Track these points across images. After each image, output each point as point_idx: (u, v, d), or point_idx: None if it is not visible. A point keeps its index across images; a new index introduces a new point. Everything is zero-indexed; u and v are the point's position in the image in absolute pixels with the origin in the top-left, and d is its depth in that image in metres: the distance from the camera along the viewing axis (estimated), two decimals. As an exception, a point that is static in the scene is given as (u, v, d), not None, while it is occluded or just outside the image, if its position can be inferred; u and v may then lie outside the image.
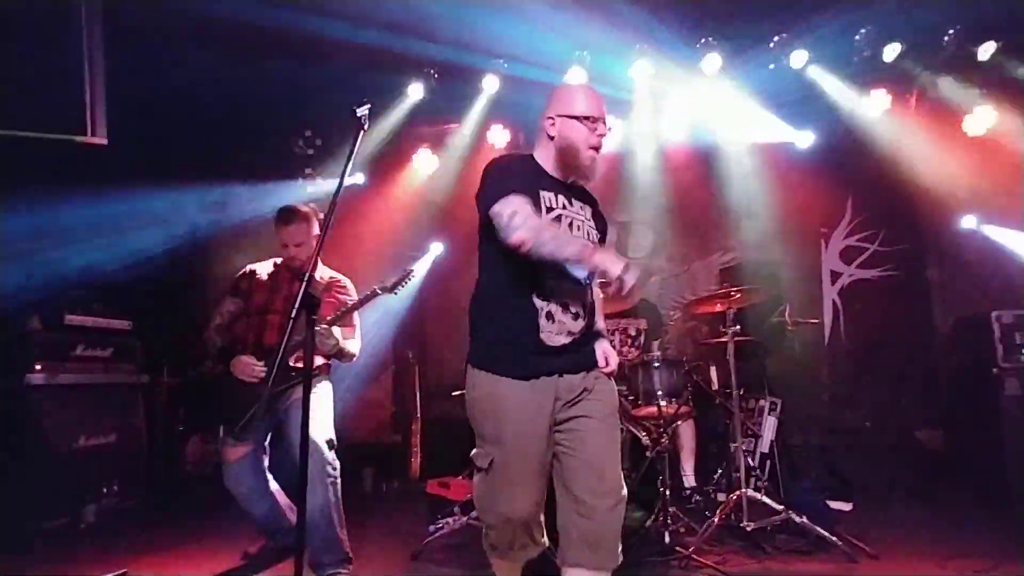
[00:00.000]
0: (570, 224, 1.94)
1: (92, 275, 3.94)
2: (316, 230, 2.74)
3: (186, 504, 4.02)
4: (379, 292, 2.55)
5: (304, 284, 1.78)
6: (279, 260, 2.84)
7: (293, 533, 2.45)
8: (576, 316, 1.93)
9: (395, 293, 2.57)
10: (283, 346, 1.96)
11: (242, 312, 2.79)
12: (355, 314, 2.75)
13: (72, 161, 3.24)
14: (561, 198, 1.95)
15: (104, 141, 3.00)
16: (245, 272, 2.87)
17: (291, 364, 2.61)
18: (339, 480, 2.60)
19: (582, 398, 1.93)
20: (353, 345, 2.78)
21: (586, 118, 1.93)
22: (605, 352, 2.02)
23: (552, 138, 1.96)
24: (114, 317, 3.90)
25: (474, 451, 1.98)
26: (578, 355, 1.95)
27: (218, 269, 4.30)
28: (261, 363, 2.63)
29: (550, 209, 1.91)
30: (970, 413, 4.06)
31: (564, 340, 1.90)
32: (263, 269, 2.86)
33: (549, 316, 1.89)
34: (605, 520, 1.85)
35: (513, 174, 1.89)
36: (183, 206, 4.42)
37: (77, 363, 3.64)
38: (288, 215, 2.72)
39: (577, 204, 1.99)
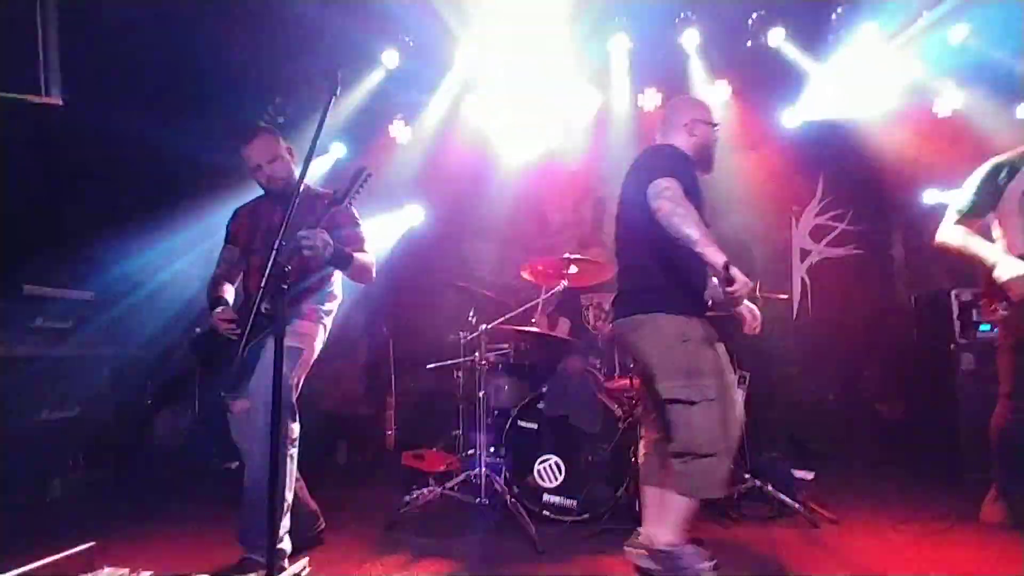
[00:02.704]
0: None
1: (54, 244, 3.80)
2: (284, 144, 2.51)
3: (155, 478, 3.97)
4: (338, 201, 2.14)
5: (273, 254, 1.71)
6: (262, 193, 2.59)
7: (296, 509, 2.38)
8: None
9: (351, 201, 2.16)
10: (257, 297, 1.87)
11: (239, 257, 2.62)
12: (361, 228, 2.55)
13: (26, 121, 3.09)
14: None
15: (59, 101, 2.86)
16: (234, 213, 2.69)
17: (264, 312, 2.22)
18: (294, 456, 2.32)
19: None
20: (365, 257, 2.47)
21: (715, 123, 2.50)
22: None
23: (692, 135, 2.45)
24: (76, 287, 3.78)
25: (682, 389, 2.19)
26: None
27: (186, 236, 4.17)
28: (231, 323, 2.41)
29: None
30: (928, 386, 4.22)
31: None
32: (248, 206, 2.68)
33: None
34: None
35: (679, 156, 2.37)
36: (146, 170, 4.26)
37: (37, 335, 3.53)
38: (248, 132, 2.48)
39: None
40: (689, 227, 2.08)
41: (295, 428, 2.37)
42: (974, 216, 2.73)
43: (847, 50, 4.36)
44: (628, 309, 2.35)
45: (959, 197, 2.78)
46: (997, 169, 2.69)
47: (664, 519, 2.29)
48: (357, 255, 2.42)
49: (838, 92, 4.58)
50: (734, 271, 2.05)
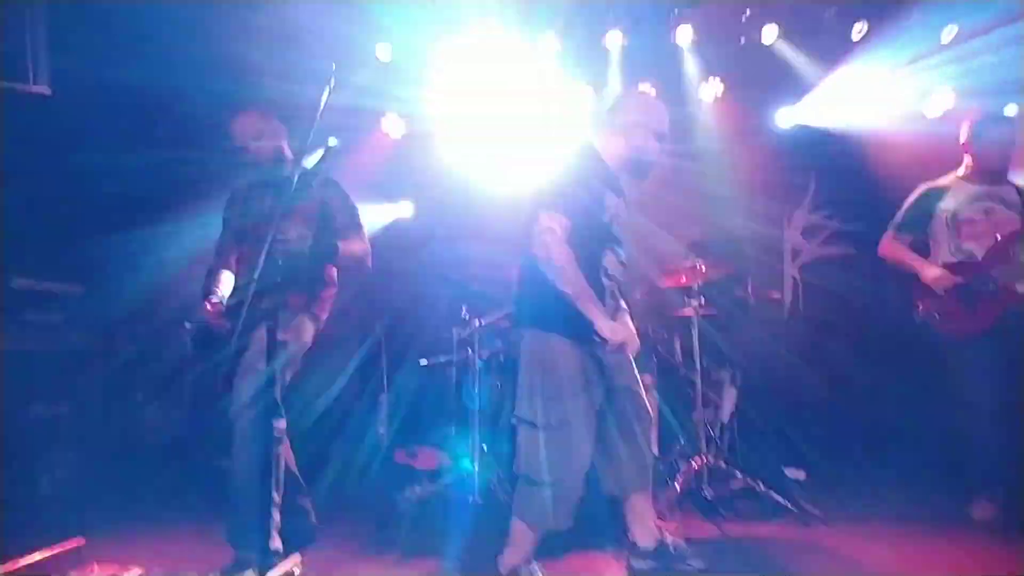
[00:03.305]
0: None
1: (42, 236, 3.75)
2: (274, 121, 2.40)
3: (146, 474, 3.93)
4: (308, 183, 2.01)
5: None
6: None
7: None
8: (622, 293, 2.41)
9: (310, 185, 2.06)
10: (250, 290, 1.83)
11: (234, 245, 2.50)
12: (356, 211, 2.45)
13: (15, 111, 3.04)
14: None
15: (48, 90, 2.81)
16: (229, 198, 2.59)
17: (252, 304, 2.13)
18: (280, 453, 2.19)
19: None
20: (354, 246, 2.37)
21: (660, 132, 2.31)
22: None
23: (627, 140, 2.29)
24: (66, 281, 3.74)
25: (528, 410, 2.19)
26: None
27: (175, 228, 4.12)
28: (219, 316, 2.33)
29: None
30: (919, 386, 4.25)
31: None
32: (242, 191, 2.57)
33: (611, 293, 2.31)
34: None
35: (579, 187, 2.20)
36: (138, 163, 4.21)
37: (26, 329, 3.49)
38: (234, 111, 2.38)
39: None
40: (563, 285, 2.06)
41: (280, 425, 2.24)
42: (908, 233, 3.17)
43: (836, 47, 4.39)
44: (513, 319, 2.38)
45: (896, 216, 3.21)
46: (927, 194, 3.12)
47: (633, 522, 2.33)
48: (346, 244, 2.34)
49: (834, 103, 4.60)
50: (604, 328, 2.05)
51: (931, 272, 3.02)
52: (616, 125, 2.33)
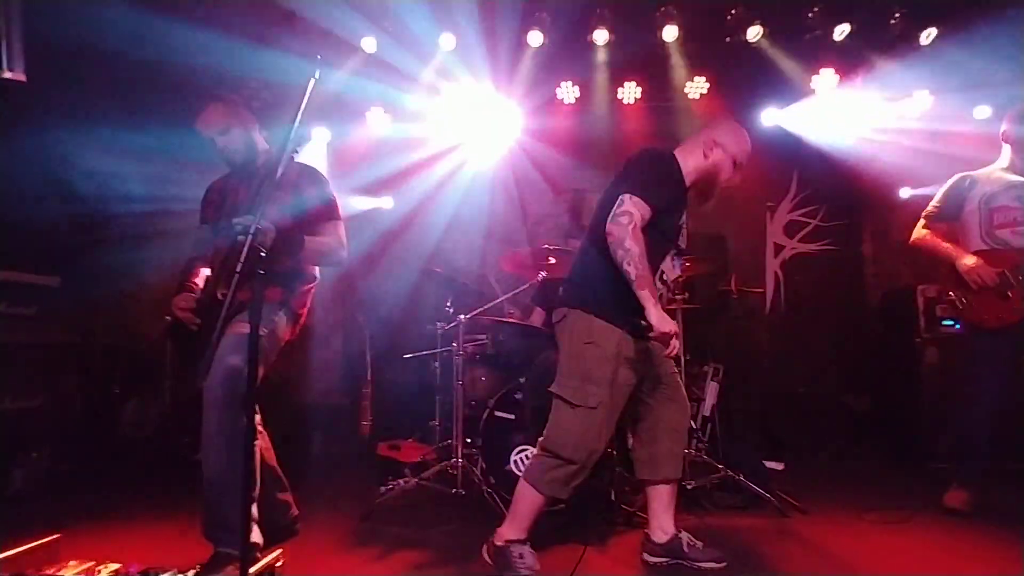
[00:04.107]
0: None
1: (16, 226, 3.66)
2: (244, 113, 2.33)
3: (122, 469, 3.88)
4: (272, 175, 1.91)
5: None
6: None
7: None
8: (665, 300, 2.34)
9: (286, 176, 1.99)
10: (231, 290, 1.80)
11: (211, 236, 2.43)
12: (332, 200, 2.38)
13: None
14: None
15: (23, 78, 2.75)
16: (207, 190, 2.53)
17: (220, 297, 2.08)
18: (255, 450, 2.13)
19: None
20: (323, 243, 2.31)
21: (738, 163, 2.37)
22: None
23: (706, 157, 2.34)
24: (41, 272, 3.66)
25: (567, 388, 2.22)
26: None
27: (154, 220, 4.06)
28: (189, 311, 2.28)
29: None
30: (894, 380, 4.34)
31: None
32: (219, 182, 2.51)
33: (660, 297, 2.23)
34: None
35: (667, 174, 2.28)
36: (115, 153, 4.13)
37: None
38: (202, 106, 2.30)
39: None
40: (629, 265, 2.08)
41: (255, 419, 2.19)
42: (941, 221, 3.13)
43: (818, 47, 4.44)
44: (560, 299, 2.37)
45: (930, 204, 3.17)
46: (962, 179, 3.09)
47: (657, 511, 2.37)
48: (313, 240, 2.26)
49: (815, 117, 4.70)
50: (654, 316, 2.05)
51: (967, 261, 2.94)
52: (700, 141, 2.37)
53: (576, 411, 2.20)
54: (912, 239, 3.18)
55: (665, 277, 2.39)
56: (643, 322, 2.10)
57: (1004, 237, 2.93)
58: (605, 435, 2.24)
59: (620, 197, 2.17)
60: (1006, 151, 3.05)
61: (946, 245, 3.05)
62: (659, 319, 2.06)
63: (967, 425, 3.03)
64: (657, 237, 2.24)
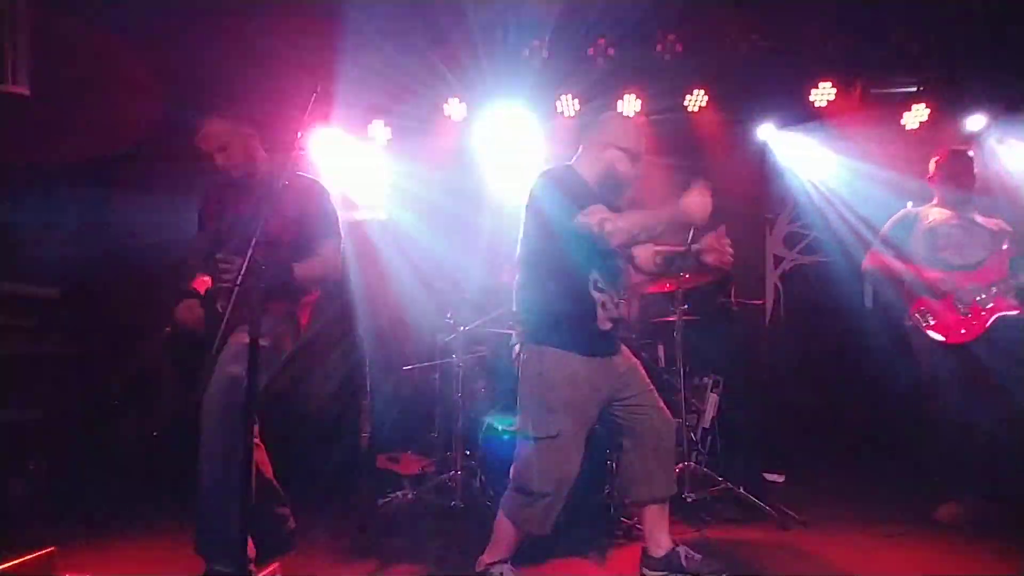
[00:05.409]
0: None
1: (15, 239, 3.67)
2: (245, 127, 2.29)
3: (120, 482, 3.85)
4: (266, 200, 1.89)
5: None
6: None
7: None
8: (618, 305, 2.31)
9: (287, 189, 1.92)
10: (229, 306, 1.81)
11: (211, 245, 2.37)
12: (330, 214, 2.34)
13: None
14: None
15: (26, 91, 2.77)
16: (205, 195, 2.47)
17: (219, 310, 2.06)
18: (252, 462, 1.93)
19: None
20: (316, 266, 2.26)
21: (633, 153, 2.32)
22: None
23: (600, 160, 2.31)
24: (41, 284, 3.66)
25: (525, 421, 2.23)
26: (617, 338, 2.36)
27: (154, 232, 4.06)
28: (199, 322, 2.25)
29: None
30: (893, 391, 4.33)
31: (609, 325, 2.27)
32: (219, 187, 2.43)
33: (603, 305, 2.24)
34: None
35: (579, 187, 2.24)
36: (117, 163, 4.14)
37: (-1, 332, 3.42)
38: (199, 121, 2.26)
39: None
40: (637, 229, 2.11)
41: (253, 430, 2.20)
42: (890, 247, 3.33)
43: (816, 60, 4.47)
44: (517, 339, 2.37)
45: (880, 233, 3.40)
46: (907, 214, 3.32)
47: (651, 528, 2.36)
48: (304, 266, 2.21)
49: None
50: (684, 208, 2.07)
51: (932, 273, 3.12)
52: (589, 145, 2.36)
53: (539, 443, 2.18)
54: (865, 264, 3.39)
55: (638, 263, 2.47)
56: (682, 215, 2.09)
57: (946, 257, 3.13)
58: (574, 460, 2.20)
59: (575, 217, 2.13)
60: (936, 191, 3.30)
61: (900, 264, 3.23)
62: (691, 207, 2.07)
63: (956, 439, 3.05)
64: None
